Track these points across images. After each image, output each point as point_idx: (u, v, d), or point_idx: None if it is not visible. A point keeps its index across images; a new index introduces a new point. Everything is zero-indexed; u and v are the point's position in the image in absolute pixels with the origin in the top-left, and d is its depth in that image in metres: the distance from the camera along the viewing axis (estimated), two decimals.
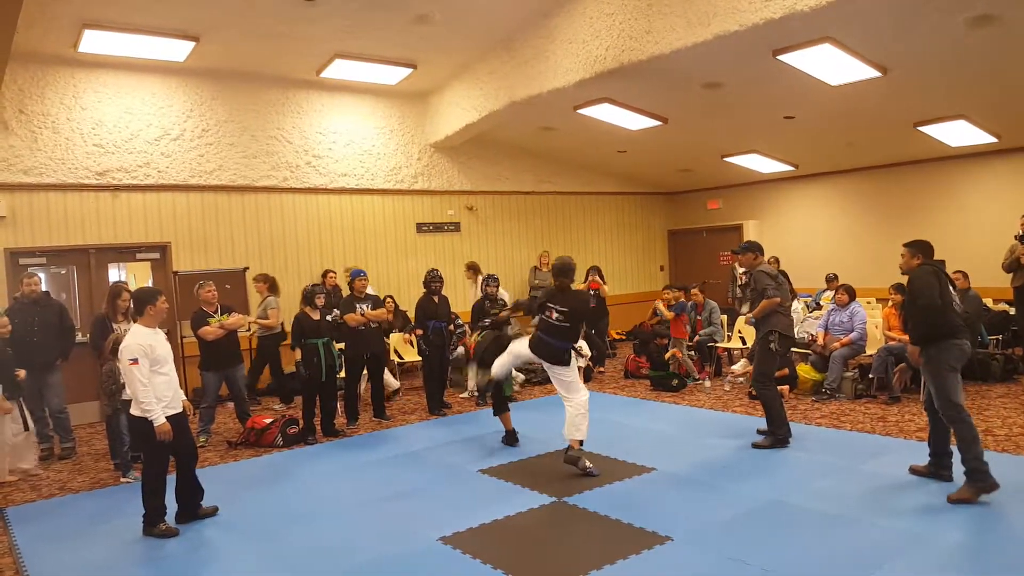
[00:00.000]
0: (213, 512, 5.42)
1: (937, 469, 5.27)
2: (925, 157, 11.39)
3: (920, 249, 5.19)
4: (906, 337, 6.81)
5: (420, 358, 9.01)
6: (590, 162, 13.41)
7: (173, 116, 9.60)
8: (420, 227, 11.86)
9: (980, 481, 4.78)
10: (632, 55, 7.67)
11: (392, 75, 10.09)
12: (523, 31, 8.97)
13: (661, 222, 15.23)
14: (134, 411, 5.05)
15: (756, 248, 6.75)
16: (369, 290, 8.50)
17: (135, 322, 5.18)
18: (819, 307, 9.99)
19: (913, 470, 5.32)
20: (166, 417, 4.94)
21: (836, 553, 4.22)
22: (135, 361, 4.88)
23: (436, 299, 8.59)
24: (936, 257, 5.24)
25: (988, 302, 9.32)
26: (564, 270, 6.09)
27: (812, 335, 8.90)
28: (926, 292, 4.97)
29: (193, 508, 5.34)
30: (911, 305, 5.20)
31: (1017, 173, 10.79)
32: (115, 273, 9.44)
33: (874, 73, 7.90)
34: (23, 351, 7.05)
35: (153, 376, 4.96)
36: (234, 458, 7.04)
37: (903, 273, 5.28)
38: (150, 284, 9.50)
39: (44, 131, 8.79)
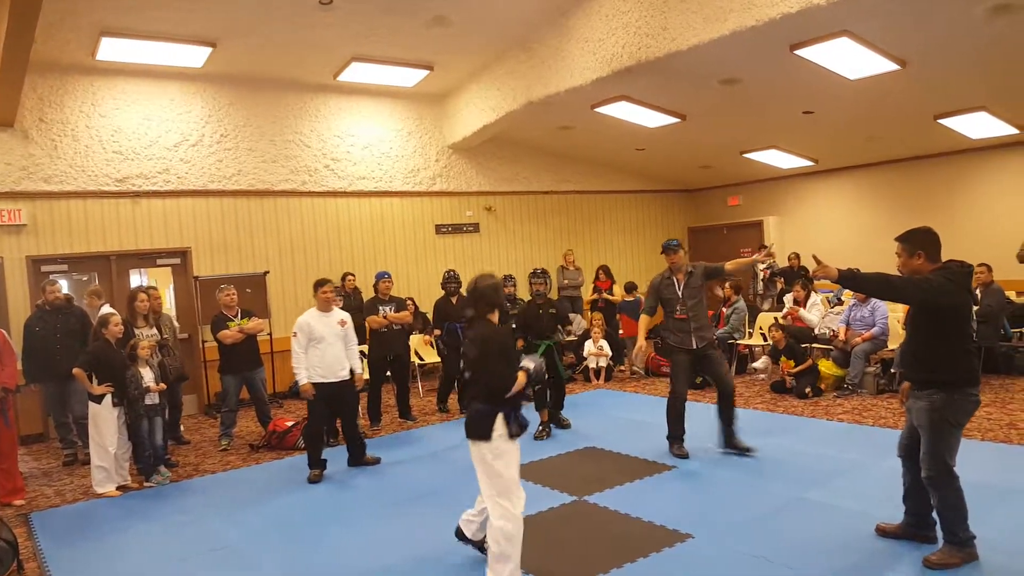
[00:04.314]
0: (376, 461, 6.61)
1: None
2: (946, 150, 11.25)
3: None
4: None
5: (440, 359, 9.10)
6: (608, 160, 13.37)
7: (191, 122, 9.67)
8: (439, 228, 11.87)
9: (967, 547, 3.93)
10: (649, 52, 7.63)
11: (409, 77, 10.11)
12: (539, 31, 8.96)
13: (681, 219, 15.14)
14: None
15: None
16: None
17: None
18: (840, 302, 9.88)
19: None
20: (319, 383, 6.26)
21: (860, 549, 4.17)
22: (295, 334, 6.26)
23: (454, 300, 8.60)
24: (958, 250, 4.62)
25: (1011, 295, 9.19)
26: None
27: (834, 331, 8.81)
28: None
29: (358, 456, 6.63)
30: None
31: None
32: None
33: (893, 66, 7.80)
34: (46, 358, 7.16)
35: (309, 348, 6.26)
36: (256, 461, 7.08)
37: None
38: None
39: (64, 139, 8.88)
